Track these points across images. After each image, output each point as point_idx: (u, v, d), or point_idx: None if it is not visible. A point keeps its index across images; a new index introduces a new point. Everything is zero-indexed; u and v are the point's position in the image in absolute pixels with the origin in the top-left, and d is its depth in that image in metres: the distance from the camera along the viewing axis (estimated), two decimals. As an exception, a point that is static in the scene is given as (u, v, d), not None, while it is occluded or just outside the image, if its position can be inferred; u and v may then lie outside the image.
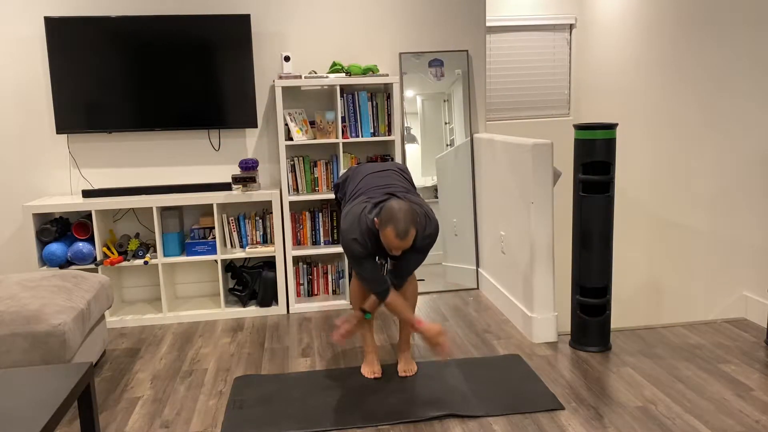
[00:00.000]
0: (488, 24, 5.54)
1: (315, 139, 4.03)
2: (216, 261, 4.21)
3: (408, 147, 4.33)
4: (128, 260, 3.89)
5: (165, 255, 3.96)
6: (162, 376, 3.20)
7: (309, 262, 4.18)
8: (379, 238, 2.80)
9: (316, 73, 4.09)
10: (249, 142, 4.21)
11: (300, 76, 3.95)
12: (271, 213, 4.11)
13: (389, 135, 4.07)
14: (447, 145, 4.40)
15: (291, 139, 3.99)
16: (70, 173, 4.09)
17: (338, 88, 3.90)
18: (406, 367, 3.09)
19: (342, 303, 4.10)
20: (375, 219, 2.79)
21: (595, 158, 3.16)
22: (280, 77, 3.92)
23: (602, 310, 3.30)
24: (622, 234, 5.01)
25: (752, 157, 3.66)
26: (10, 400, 1.82)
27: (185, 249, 4.01)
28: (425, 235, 2.85)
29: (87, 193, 3.91)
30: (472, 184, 4.39)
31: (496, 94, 5.67)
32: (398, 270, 2.91)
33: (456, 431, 2.56)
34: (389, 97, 4.04)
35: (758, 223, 3.63)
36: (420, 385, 2.95)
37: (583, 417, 2.64)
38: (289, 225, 3.98)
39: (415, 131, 4.34)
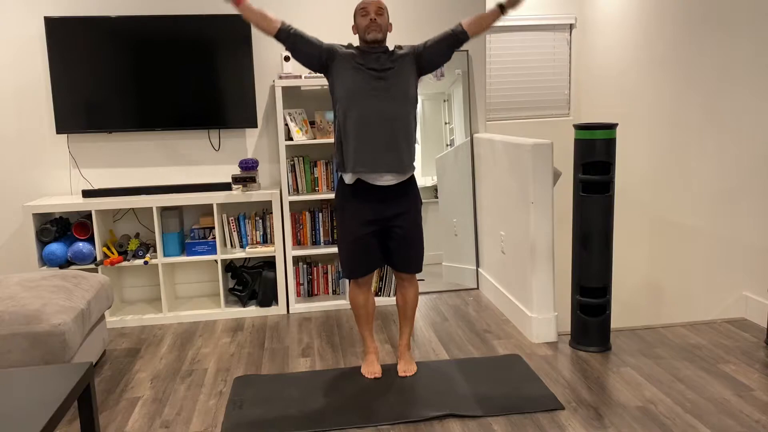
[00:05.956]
0: (488, 24, 5.53)
1: (315, 139, 4.03)
2: (216, 261, 4.21)
3: (408, 147, 4.33)
4: (128, 260, 3.89)
5: (165, 255, 3.96)
6: (162, 376, 3.20)
7: (309, 262, 4.18)
8: (357, 55, 2.82)
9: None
10: (249, 142, 4.21)
11: (300, 76, 3.95)
12: (271, 213, 4.11)
13: None
14: (447, 145, 4.40)
15: (291, 139, 3.99)
16: (70, 173, 4.09)
17: (338, 88, 3.89)
18: (406, 368, 3.09)
19: (342, 303, 4.10)
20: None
21: (595, 158, 3.16)
22: (280, 77, 3.92)
23: (602, 310, 3.30)
24: (622, 234, 5.01)
25: (752, 156, 3.66)
26: (10, 400, 1.82)
27: (185, 249, 4.01)
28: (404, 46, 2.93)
29: (87, 193, 3.91)
30: (472, 184, 4.39)
31: (496, 94, 5.67)
32: (444, 36, 2.87)
33: (456, 431, 2.56)
34: (389, 97, 4.03)
35: (758, 223, 3.63)
36: (420, 385, 2.95)
37: (583, 417, 2.64)
38: (289, 225, 3.98)
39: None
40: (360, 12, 2.82)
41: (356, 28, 2.86)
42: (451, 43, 2.86)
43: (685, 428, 2.53)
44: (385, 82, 2.79)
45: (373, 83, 2.78)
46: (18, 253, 4.11)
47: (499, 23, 5.54)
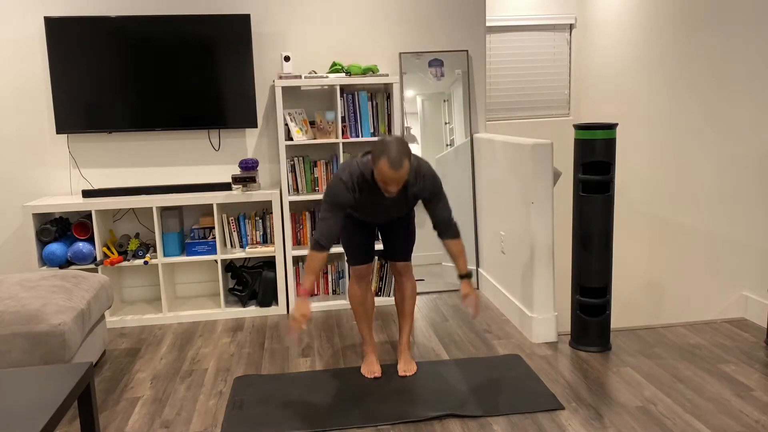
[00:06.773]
0: (488, 24, 5.54)
1: (315, 139, 4.03)
2: (216, 261, 4.21)
3: (408, 147, 4.33)
4: (128, 260, 3.89)
5: (165, 255, 3.96)
6: (162, 376, 3.20)
7: (309, 262, 4.18)
8: (368, 186, 2.78)
9: (316, 73, 4.09)
10: (249, 142, 4.21)
11: (300, 76, 3.95)
12: (271, 213, 4.11)
13: (389, 135, 4.06)
14: (447, 145, 4.40)
15: (291, 139, 3.99)
16: (70, 173, 4.09)
17: (338, 88, 3.90)
18: (406, 367, 3.09)
19: (342, 303, 4.10)
20: (368, 158, 2.79)
21: (595, 158, 3.16)
22: (280, 77, 3.92)
23: (602, 310, 3.30)
24: (622, 234, 5.01)
25: (752, 156, 3.66)
26: (10, 400, 1.82)
27: (185, 249, 4.01)
28: (424, 173, 2.82)
29: (87, 193, 3.91)
30: (472, 184, 4.39)
31: (496, 94, 5.67)
32: (438, 221, 2.88)
33: (456, 431, 2.56)
34: (389, 97, 4.04)
35: (758, 223, 3.63)
36: (420, 385, 2.95)
37: (583, 417, 2.64)
38: (289, 225, 3.98)
39: (415, 131, 4.34)
40: (381, 180, 2.66)
41: (375, 168, 2.68)
42: (434, 225, 2.90)
43: (685, 428, 2.53)
44: (391, 205, 2.88)
45: (380, 208, 2.88)
46: (18, 253, 4.11)
47: (498, 23, 5.56)
